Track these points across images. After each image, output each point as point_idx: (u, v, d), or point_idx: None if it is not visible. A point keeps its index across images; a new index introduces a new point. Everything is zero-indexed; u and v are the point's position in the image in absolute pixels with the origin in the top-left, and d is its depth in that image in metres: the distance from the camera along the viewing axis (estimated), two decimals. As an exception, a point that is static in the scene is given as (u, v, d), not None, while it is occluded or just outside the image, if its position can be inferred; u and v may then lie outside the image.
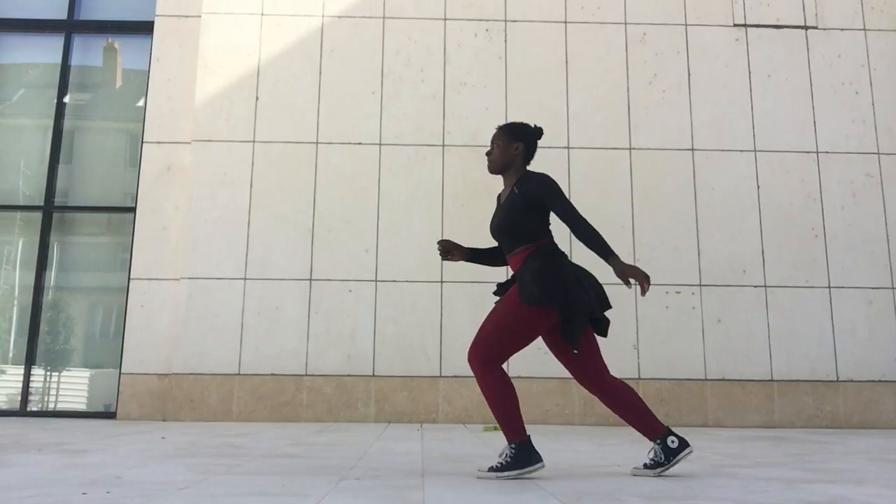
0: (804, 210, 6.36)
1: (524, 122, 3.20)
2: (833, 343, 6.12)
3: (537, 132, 3.17)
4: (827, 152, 6.46)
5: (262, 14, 6.51)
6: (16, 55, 6.94)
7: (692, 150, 6.42)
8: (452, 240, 3.33)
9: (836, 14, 6.71)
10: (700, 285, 6.17)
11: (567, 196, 3.18)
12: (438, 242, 3.21)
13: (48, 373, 6.26)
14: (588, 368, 3.06)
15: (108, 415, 6.06)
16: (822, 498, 2.42)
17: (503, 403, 2.85)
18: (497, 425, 5.45)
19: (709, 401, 5.97)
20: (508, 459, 2.81)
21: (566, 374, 6.34)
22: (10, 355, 6.31)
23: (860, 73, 6.61)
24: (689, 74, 6.55)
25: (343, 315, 6.02)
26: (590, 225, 3.16)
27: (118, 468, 2.95)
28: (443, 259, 3.23)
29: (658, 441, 2.93)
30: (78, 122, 6.80)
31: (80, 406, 6.25)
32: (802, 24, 6.67)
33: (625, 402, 3.02)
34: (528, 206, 3.09)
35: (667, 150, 6.40)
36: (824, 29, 6.67)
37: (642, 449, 4.05)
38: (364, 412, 5.85)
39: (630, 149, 6.39)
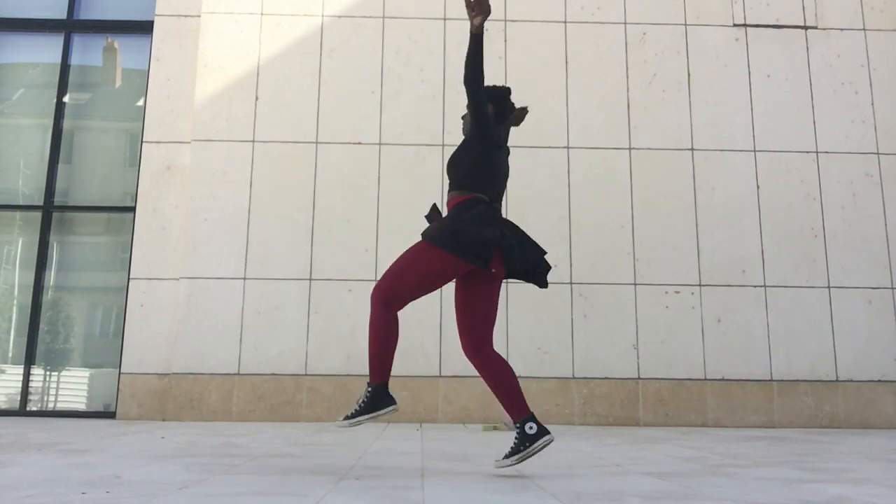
0: (804, 210, 6.36)
1: (495, 84, 3.18)
2: (832, 343, 6.12)
3: (505, 90, 3.16)
4: (827, 152, 6.46)
5: (262, 14, 6.51)
6: (16, 55, 6.94)
7: (692, 150, 6.42)
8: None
9: (836, 14, 6.71)
10: (700, 285, 6.17)
11: (488, 159, 3.06)
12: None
13: (48, 372, 6.26)
14: (478, 333, 2.98)
15: (108, 414, 6.06)
16: (822, 498, 2.42)
17: (383, 344, 2.88)
18: (497, 425, 5.46)
19: (708, 401, 5.97)
20: (363, 404, 2.85)
21: (566, 374, 6.34)
22: (10, 355, 6.31)
23: (860, 73, 6.61)
24: (688, 74, 6.55)
25: (343, 315, 6.02)
26: (474, 66, 2.93)
27: (118, 468, 2.94)
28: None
29: (518, 424, 2.91)
30: (78, 122, 6.80)
31: (80, 406, 6.25)
32: (802, 24, 6.67)
33: (500, 379, 2.95)
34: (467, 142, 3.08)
35: (667, 150, 6.41)
36: (824, 29, 6.68)
37: (642, 449, 4.06)
38: (364, 412, 5.84)
39: (630, 149, 6.39)
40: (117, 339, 6.21)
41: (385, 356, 2.89)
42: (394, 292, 2.91)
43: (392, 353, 2.91)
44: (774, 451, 4.01)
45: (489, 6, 2.89)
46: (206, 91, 6.35)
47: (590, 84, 6.50)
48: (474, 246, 2.87)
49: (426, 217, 3.19)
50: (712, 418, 5.94)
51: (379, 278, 2.98)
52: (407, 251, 2.98)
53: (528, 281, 3.09)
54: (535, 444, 2.86)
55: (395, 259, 3.00)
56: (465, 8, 2.91)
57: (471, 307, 3.00)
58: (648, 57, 6.57)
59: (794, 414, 5.98)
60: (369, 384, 2.89)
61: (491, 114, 3.05)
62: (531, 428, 2.87)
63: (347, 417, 2.86)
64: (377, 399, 2.85)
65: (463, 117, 3.18)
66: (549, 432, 2.89)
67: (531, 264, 3.03)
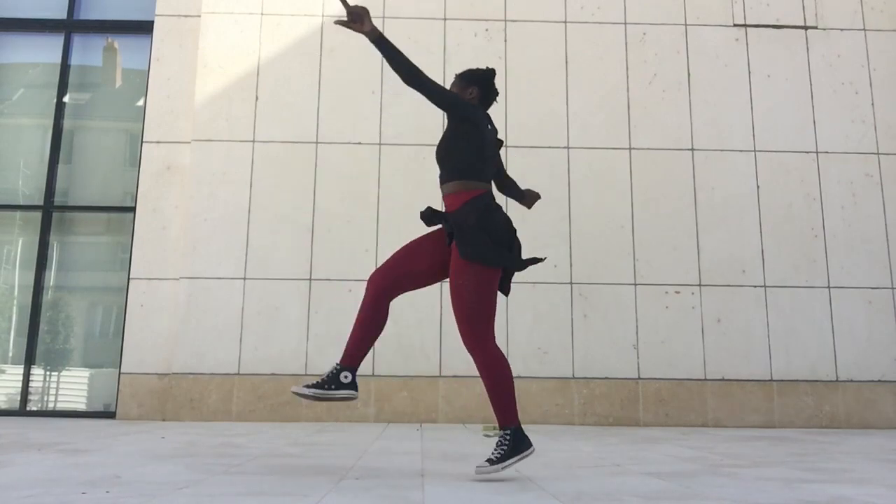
0: (804, 210, 6.36)
1: (479, 67, 3.19)
2: (832, 343, 6.12)
3: (490, 73, 3.14)
4: (827, 152, 6.46)
5: (262, 14, 6.51)
6: (16, 55, 6.94)
7: (692, 150, 6.42)
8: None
9: (836, 14, 6.71)
10: (700, 285, 6.17)
11: (480, 148, 3.01)
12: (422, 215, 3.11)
13: (48, 372, 6.26)
14: (480, 326, 2.89)
15: (108, 414, 6.06)
16: (822, 498, 2.42)
17: (368, 331, 2.92)
18: (497, 425, 5.45)
19: (708, 401, 5.97)
20: (325, 378, 2.86)
21: (566, 374, 6.34)
22: (10, 355, 6.31)
23: (860, 74, 6.61)
24: (688, 74, 6.55)
25: (343, 315, 6.01)
26: (403, 63, 2.95)
27: (118, 468, 2.94)
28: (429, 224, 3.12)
29: (505, 431, 2.86)
30: (78, 122, 6.80)
31: (80, 406, 6.25)
32: (802, 24, 6.67)
33: (498, 379, 2.87)
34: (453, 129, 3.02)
35: (667, 150, 6.40)
36: (824, 29, 6.68)
37: (642, 449, 4.06)
38: (364, 412, 5.85)
39: (630, 149, 6.39)
40: (117, 339, 6.21)
41: (366, 343, 2.90)
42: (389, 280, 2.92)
43: (372, 342, 2.91)
44: (774, 452, 4.01)
45: (360, 8, 2.87)
46: (206, 91, 6.35)
47: (590, 84, 6.50)
48: (521, 259, 2.96)
49: (423, 217, 3.10)
50: (712, 418, 5.94)
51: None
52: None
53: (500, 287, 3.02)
54: (518, 457, 2.83)
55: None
56: (349, 28, 2.91)
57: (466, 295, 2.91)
58: (648, 57, 6.57)
59: (794, 414, 5.98)
60: (340, 363, 2.88)
61: (476, 96, 3.08)
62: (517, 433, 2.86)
63: (308, 386, 2.85)
64: (337, 381, 2.85)
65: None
66: (531, 445, 2.88)
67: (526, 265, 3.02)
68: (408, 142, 6.28)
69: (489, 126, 3.07)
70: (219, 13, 6.50)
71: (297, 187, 6.22)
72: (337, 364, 2.89)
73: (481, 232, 2.87)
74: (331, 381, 2.85)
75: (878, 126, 6.52)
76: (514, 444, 2.83)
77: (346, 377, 2.86)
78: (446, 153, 3.02)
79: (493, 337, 2.88)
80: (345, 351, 2.91)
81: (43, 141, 6.66)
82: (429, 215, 3.08)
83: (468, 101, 3.05)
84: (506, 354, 5.87)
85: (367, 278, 3.00)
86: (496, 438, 3.06)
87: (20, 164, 6.71)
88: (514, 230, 3.00)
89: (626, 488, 2.61)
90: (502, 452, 2.80)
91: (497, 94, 3.16)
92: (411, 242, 3.05)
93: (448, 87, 3.13)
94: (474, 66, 3.25)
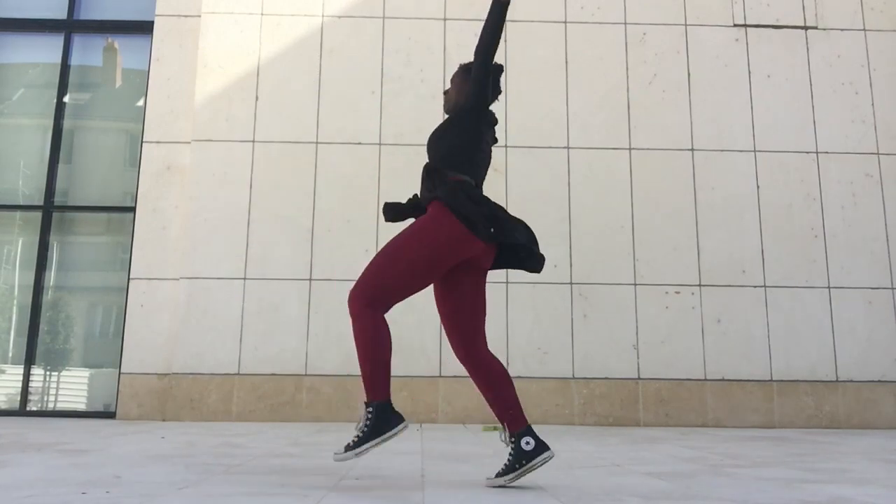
0: (804, 210, 6.36)
1: None
2: (832, 343, 6.12)
3: (496, 68, 2.88)
4: (827, 152, 6.46)
5: (262, 14, 6.51)
6: (16, 55, 6.94)
7: (692, 150, 6.42)
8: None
9: (836, 14, 6.71)
10: (700, 285, 6.17)
11: (480, 141, 2.80)
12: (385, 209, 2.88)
13: (48, 372, 6.26)
14: (469, 332, 2.70)
15: (108, 414, 6.06)
16: (822, 498, 2.42)
17: (377, 355, 2.54)
18: (497, 425, 5.45)
19: (708, 401, 5.97)
20: (365, 428, 2.49)
21: (566, 374, 6.34)
22: (10, 355, 6.31)
23: (860, 74, 6.61)
24: (688, 74, 6.55)
25: (343, 315, 5.95)
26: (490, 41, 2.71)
27: (118, 468, 2.94)
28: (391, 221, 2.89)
29: (513, 439, 2.60)
30: (78, 122, 6.80)
31: (80, 406, 6.25)
32: (802, 24, 6.67)
33: (496, 381, 2.65)
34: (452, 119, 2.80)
35: (667, 150, 6.40)
36: (824, 29, 6.68)
37: (642, 449, 4.06)
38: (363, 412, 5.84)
39: (630, 149, 6.39)
40: (117, 339, 6.21)
41: (381, 369, 2.53)
42: (377, 291, 2.54)
43: (389, 363, 2.54)
44: (774, 452, 4.01)
45: None
46: (206, 91, 6.35)
47: (590, 84, 6.50)
48: (488, 219, 2.58)
49: (387, 213, 2.85)
50: (712, 418, 5.94)
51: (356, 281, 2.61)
52: (395, 238, 2.60)
53: (519, 267, 2.77)
54: (534, 462, 2.56)
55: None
56: None
57: (458, 305, 2.71)
58: (648, 57, 6.57)
59: (794, 414, 5.98)
60: (368, 403, 2.53)
61: (466, 87, 2.83)
62: (528, 443, 2.58)
63: (350, 447, 2.49)
64: (382, 420, 2.48)
65: (446, 92, 2.95)
66: (548, 448, 2.60)
67: (527, 241, 2.71)
68: (408, 142, 6.28)
69: (494, 136, 2.93)
70: (219, 13, 6.50)
71: (297, 187, 6.22)
72: (367, 406, 2.55)
73: (469, 201, 2.60)
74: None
75: (878, 126, 6.52)
76: (376, 423, 2.48)
77: (527, 443, 2.58)
78: (439, 141, 2.82)
79: (386, 307, 2.56)
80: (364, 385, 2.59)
81: (43, 141, 6.66)
82: (393, 210, 2.83)
83: (489, 98, 2.84)
84: (506, 355, 5.90)
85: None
86: (496, 434, 2.86)
87: (20, 164, 6.71)
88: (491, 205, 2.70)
89: (626, 488, 2.61)
90: (360, 435, 2.49)
91: (500, 91, 2.95)
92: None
93: (450, 77, 2.96)
94: None
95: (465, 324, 2.71)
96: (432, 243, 2.59)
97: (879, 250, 6.31)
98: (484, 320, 2.77)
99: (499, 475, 2.61)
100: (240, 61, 6.41)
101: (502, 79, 3.04)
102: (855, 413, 6.00)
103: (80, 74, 6.85)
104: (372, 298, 2.54)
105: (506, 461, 2.63)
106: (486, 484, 2.64)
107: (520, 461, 2.57)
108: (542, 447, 2.58)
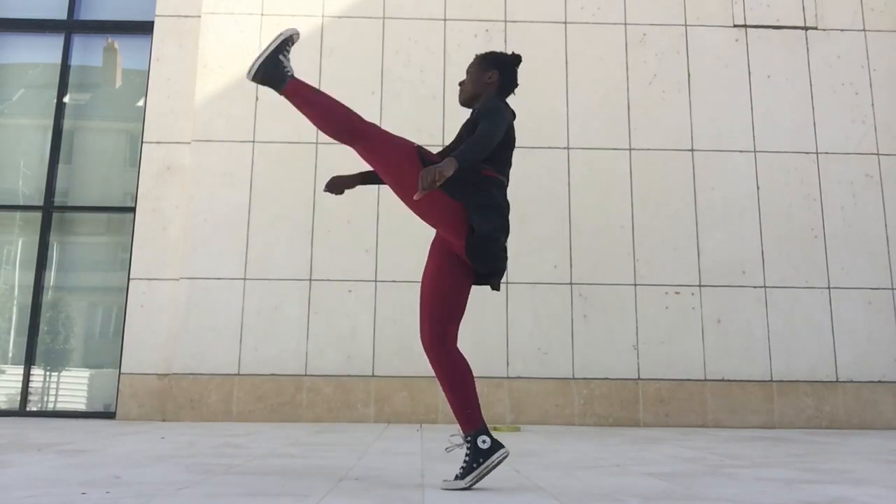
0: (804, 210, 6.36)
1: (503, 51, 3.02)
2: (832, 343, 6.12)
3: (515, 59, 2.85)
4: (827, 153, 6.46)
5: (262, 14, 6.51)
6: (16, 55, 6.94)
7: (692, 150, 6.42)
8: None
9: (836, 15, 6.71)
10: (700, 286, 6.17)
11: (511, 139, 2.87)
12: (327, 186, 2.93)
13: (47, 373, 6.26)
14: (442, 320, 2.75)
15: (108, 415, 6.06)
16: (822, 498, 2.42)
17: (466, 384, 2.69)
18: (496, 426, 5.45)
19: (708, 401, 5.97)
20: (468, 458, 2.55)
21: (566, 374, 6.33)
22: (10, 355, 6.31)
23: (860, 74, 6.61)
24: (688, 75, 6.55)
25: (343, 315, 6.02)
26: (487, 145, 2.70)
27: (118, 468, 2.94)
28: (335, 193, 2.95)
29: (468, 438, 2.58)
30: (78, 122, 6.80)
31: (80, 406, 6.25)
32: (802, 24, 6.67)
33: (458, 380, 2.68)
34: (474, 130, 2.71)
35: (667, 150, 6.40)
36: (824, 30, 6.68)
37: (642, 449, 4.05)
38: (364, 412, 5.85)
39: (630, 149, 6.39)
40: (117, 340, 6.21)
41: (466, 394, 2.64)
42: (437, 325, 2.73)
43: (471, 387, 2.65)
44: (774, 452, 4.01)
45: (433, 173, 2.44)
46: (206, 91, 6.35)
47: (590, 84, 6.50)
48: (493, 259, 2.70)
49: (334, 182, 2.91)
50: (712, 419, 5.94)
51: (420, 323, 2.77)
52: (428, 277, 2.77)
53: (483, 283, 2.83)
54: (491, 459, 2.53)
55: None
56: (435, 183, 2.45)
57: (439, 286, 2.77)
58: (648, 57, 6.57)
59: (794, 414, 5.98)
60: (465, 433, 2.59)
61: (495, 81, 2.85)
62: (484, 442, 2.55)
63: (459, 478, 2.54)
64: (480, 453, 2.54)
65: (461, 83, 2.91)
66: (503, 445, 2.57)
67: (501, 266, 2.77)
68: (408, 142, 6.27)
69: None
70: (219, 13, 6.50)
71: (297, 187, 6.22)
72: (466, 436, 2.61)
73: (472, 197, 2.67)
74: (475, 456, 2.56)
75: (878, 126, 6.52)
76: (475, 455, 2.56)
77: (483, 442, 2.57)
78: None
79: (453, 337, 2.73)
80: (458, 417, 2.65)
81: (43, 141, 6.66)
82: (337, 186, 2.93)
83: (508, 120, 2.85)
84: (506, 355, 5.90)
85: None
86: (496, 434, 2.86)
87: (20, 165, 6.71)
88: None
89: (626, 488, 2.61)
90: (464, 467, 2.56)
91: (517, 84, 2.89)
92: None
93: (466, 69, 2.90)
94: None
95: (440, 309, 2.75)
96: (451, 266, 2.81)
97: (879, 250, 6.31)
98: (461, 313, 2.81)
99: (457, 478, 2.56)
100: (240, 61, 6.41)
101: None
102: (855, 413, 6.00)
103: (81, 75, 6.85)
104: (435, 334, 2.75)
105: (462, 464, 2.59)
106: (442, 486, 2.58)
107: (476, 460, 2.54)
108: (497, 445, 2.57)
